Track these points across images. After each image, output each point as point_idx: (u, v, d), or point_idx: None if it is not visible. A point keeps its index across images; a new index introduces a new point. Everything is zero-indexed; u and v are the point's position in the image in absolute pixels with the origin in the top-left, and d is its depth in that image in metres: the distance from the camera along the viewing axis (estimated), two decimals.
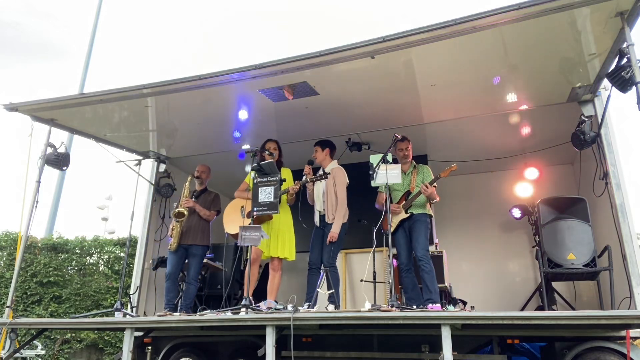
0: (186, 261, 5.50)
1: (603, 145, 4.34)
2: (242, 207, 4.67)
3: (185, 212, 5.30)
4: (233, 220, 5.06)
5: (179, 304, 5.38)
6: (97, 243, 9.29)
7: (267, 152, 4.92)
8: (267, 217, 4.77)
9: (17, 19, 36.03)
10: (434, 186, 4.72)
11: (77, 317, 5.96)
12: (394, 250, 4.62)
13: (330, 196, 4.84)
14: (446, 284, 5.20)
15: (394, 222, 4.79)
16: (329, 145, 5.14)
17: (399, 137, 4.55)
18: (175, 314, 4.74)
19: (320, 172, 4.94)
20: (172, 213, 5.35)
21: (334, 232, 4.68)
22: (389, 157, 4.24)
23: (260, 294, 5.38)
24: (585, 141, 4.39)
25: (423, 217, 4.74)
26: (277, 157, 5.13)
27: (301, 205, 5.05)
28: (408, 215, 4.74)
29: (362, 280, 5.60)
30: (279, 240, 4.94)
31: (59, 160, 5.23)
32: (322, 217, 4.93)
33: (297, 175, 5.14)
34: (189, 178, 5.54)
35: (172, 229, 5.33)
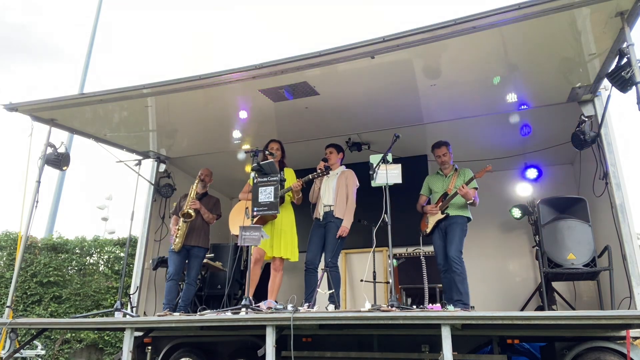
0: (186, 262, 5.52)
1: (603, 145, 4.34)
2: (247, 207, 4.68)
3: (193, 214, 5.33)
4: (238, 221, 5.06)
5: (178, 305, 5.39)
6: (97, 243, 9.29)
7: (267, 152, 4.93)
8: (271, 216, 4.78)
9: (22, 22, 36.14)
10: (475, 188, 4.81)
11: (77, 317, 5.95)
12: (394, 251, 4.61)
13: (340, 195, 4.94)
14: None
15: (430, 222, 4.96)
16: (343, 150, 5.34)
17: (399, 136, 4.52)
18: (175, 314, 4.74)
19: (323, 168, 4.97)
20: (180, 213, 5.36)
21: (346, 226, 4.82)
22: (389, 157, 4.24)
23: (260, 294, 5.38)
24: (585, 141, 4.39)
25: (460, 219, 4.80)
26: (280, 157, 5.16)
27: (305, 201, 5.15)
28: (444, 215, 4.85)
29: (362, 280, 5.60)
30: (282, 240, 4.95)
31: (59, 160, 5.22)
32: (326, 213, 4.96)
33: (299, 175, 5.15)
34: (197, 180, 5.58)
35: (178, 229, 5.34)
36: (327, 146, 5.27)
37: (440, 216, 4.89)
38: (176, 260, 5.39)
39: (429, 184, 5.21)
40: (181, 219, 5.35)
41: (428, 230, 5.00)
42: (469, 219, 4.89)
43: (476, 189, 4.85)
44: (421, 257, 5.18)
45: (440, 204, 4.92)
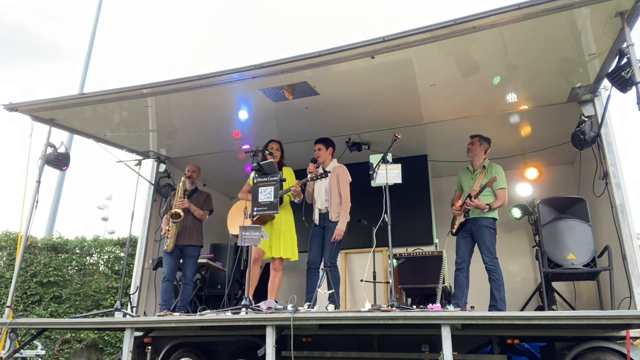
0: (181, 261, 5.50)
1: (603, 145, 4.34)
2: (245, 208, 4.68)
3: (182, 213, 5.31)
4: (237, 221, 5.06)
5: (177, 305, 5.37)
6: (97, 243, 9.29)
7: (267, 152, 4.93)
8: (269, 217, 4.77)
9: (23, 22, 36.17)
10: (503, 187, 4.72)
11: (77, 317, 5.95)
12: (394, 251, 4.61)
13: (333, 194, 4.87)
14: (446, 284, 5.20)
15: (456, 224, 4.94)
16: (332, 144, 5.19)
17: (399, 136, 4.52)
18: (175, 314, 4.75)
19: (320, 170, 4.95)
20: (169, 213, 5.36)
21: (340, 229, 4.73)
22: (389, 157, 4.24)
23: (260, 294, 5.38)
24: (585, 141, 4.39)
25: (484, 221, 4.70)
26: (279, 157, 5.15)
27: (304, 204, 5.10)
28: (465, 219, 4.82)
29: (362, 280, 5.60)
30: (281, 240, 4.94)
31: (59, 160, 5.22)
32: (322, 215, 4.94)
33: (299, 175, 5.15)
34: (183, 178, 5.55)
35: (168, 230, 5.33)
36: (315, 142, 5.16)
37: (462, 219, 4.86)
38: (170, 261, 5.37)
39: (460, 179, 5.13)
40: (170, 219, 5.33)
41: (454, 231, 4.98)
42: (495, 220, 4.77)
43: (504, 188, 4.75)
44: (443, 257, 5.18)
45: (464, 205, 4.82)
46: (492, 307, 4.48)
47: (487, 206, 4.66)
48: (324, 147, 5.09)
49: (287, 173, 5.08)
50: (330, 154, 5.13)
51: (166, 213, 5.61)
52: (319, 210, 4.97)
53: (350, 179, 4.96)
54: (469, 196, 4.78)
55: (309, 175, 4.90)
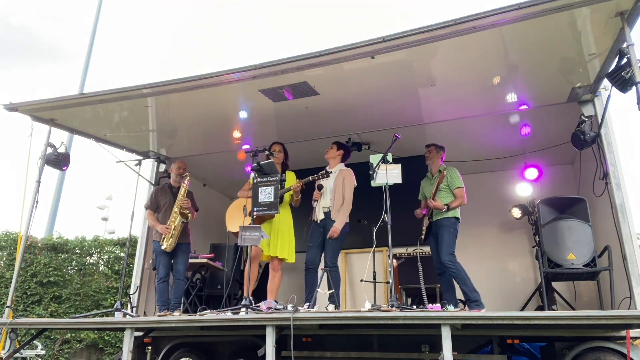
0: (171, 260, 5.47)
1: (603, 145, 4.34)
2: (244, 206, 4.68)
3: (189, 214, 5.31)
4: (236, 219, 5.07)
5: (172, 302, 5.34)
6: (97, 243, 9.29)
7: (267, 152, 4.93)
8: (268, 216, 4.77)
9: (24, 23, 36.20)
10: (459, 187, 4.76)
11: (77, 317, 5.95)
12: (394, 251, 4.62)
13: (337, 195, 4.90)
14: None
15: (424, 229, 4.98)
16: (344, 148, 5.25)
17: (399, 136, 4.53)
18: (175, 313, 4.75)
19: (323, 171, 4.96)
20: (181, 212, 5.31)
21: (337, 227, 4.74)
22: (389, 157, 4.24)
23: (260, 294, 5.38)
24: (585, 141, 4.39)
25: (446, 221, 4.74)
26: (283, 159, 5.17)
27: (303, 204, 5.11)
28: (428, 222, 4.88)
29: (362, 280, 5.61)
30: (279, 240, 4.95)
31: (59, 160, 5.22)
32: (325, 214, 4.94)
33: (299, 176, 5.14)
34: (188, 177, 5.51)
35: (172, 229, 5.29)
36: (333, 142, 5.25)
37: (426, 222, 4.91)
38: (166, 262, 5.34)
39: (422, 188, 5.21)
40: (178, 218, 5.31)
41: (423, 237, 5.02)
42: (457, 219, 4.80)
43: (460, 187, 4.80)
44: (418, 260, 5.18)
45: (426, 211, 4.92)
46: (468, 302, 4.45)
47: (445, 206, 4.69)
48: (336, 147, 5.17)
49: (289, 177, 5.09)
50: (340, 156, 5.15)
51: (150, 208, 5.55)
52: (323, 208, 4.98)
53: (356, 184, 4.97)
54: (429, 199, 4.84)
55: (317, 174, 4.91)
